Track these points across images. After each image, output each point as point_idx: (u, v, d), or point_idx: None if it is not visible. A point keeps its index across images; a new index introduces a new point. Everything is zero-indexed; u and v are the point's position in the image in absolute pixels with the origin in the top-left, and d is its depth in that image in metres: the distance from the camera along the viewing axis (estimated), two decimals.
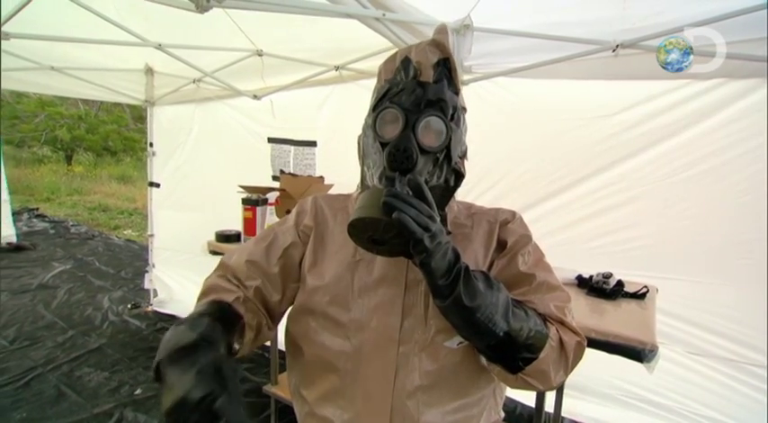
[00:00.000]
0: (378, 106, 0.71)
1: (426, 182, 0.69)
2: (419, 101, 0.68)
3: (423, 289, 0.71)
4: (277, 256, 0.78)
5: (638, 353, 1.07)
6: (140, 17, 1.98)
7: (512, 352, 0.65)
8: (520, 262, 0.74)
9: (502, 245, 0.77)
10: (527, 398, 2.14)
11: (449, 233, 0.74)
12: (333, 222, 0.80)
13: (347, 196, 0.85)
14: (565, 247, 1.90)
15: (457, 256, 0.62)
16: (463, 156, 0.77)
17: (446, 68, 0.71)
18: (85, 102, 12.69)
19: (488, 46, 1.81)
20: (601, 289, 1.42)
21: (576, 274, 1.55)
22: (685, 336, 1.76)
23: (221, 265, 0.82)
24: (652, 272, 1.69)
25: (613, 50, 1.50)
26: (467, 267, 0.63)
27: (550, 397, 1.59)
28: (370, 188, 0.65)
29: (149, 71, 3.10)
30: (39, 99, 11.70)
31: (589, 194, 1.85)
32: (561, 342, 0.69)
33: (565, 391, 1.63)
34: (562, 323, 0.71)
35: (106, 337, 3.09)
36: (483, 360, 0.71)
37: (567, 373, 0.70)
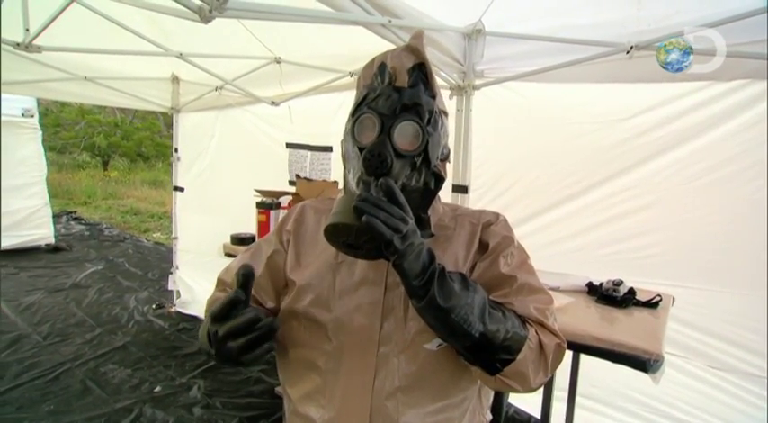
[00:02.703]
0: (356, 112, 0.72)
1: (405, 185, 0.70)
2: (395, 106, 0.69)
3: (403, 291, 0.71)
4: (262, 265, 0.81)
5: (642, 363, 1.04)
6: (156, 27, 2.07)
7: (489, 353, 0.65)
8: (501, 264, 0.74)
9: (484, 246, 0.77)
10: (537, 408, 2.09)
11: (431, 235, 0.74)
12: (317, 225, 0.82)
13: (333, 200, 0.86)
14: (578, 253, 1.85)
15: (431, 258, 0.62)
16: (445, 159, 0.77)
17: (422, 73, 0.72)
18: (122, 110, 13.29)
19: (500, 50, 1.80)
20: (611, 296, 1.38)
21: (587, 281, 1.51)
22: (706, 348, 1.68)
23: (218, 282, 0.88)
24: (669, 280, 1.63)
25: (627, 52, 1.47)
26: (442, 269, 0.63)
27: (561, 408, 1.54)
28: (345, 193, 0.67)
29: (175, 79, 3.23)
30: (79, 108, 12.34)
31: (603, 200, 1.80)
32: (540, 344, 0.68)
33: (577, 400, 1.59)
34: (542, 325, 0.70)
35: (131, 335, 3.21)
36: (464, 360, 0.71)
37: (546, 375, 0.69)
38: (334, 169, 2.64)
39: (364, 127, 0.70)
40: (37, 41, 1.75)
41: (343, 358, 0.72)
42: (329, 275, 0.75)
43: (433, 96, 0.73)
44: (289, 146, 2.80)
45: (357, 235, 0.60)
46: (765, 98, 1.42)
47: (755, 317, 1.54)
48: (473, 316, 0.62)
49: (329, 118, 2.57)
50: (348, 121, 0.75)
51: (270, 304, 0.81)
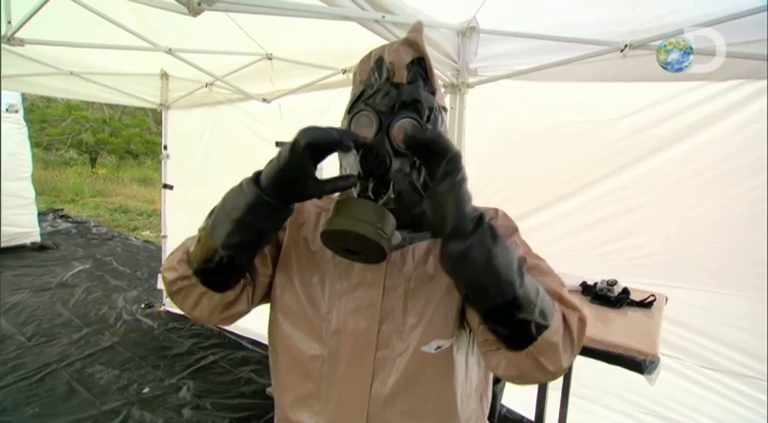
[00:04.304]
0: (353, 108, 0.70)
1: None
2: (393, 102, 0.66)
3: (401, 293, 0.70)
4: None
5: (638, 364, 1.04)
6: (144, 21, 2.03)
7: (525, 315, 0.58)
8: None
9: None
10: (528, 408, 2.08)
11: (431, 237, 0.73)
12: (316, 220, 0.79)
13: (332, 198, 0.83)
14: (572, 253, 1.85)
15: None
16: None
17: (421, 68, 0.69)
18: (110, 106, 13.08)
19: (494, 48, 1.79)
20: (605, 296, 1.38)
21: (581, 281, 1.51)
22: (698, 348, 1.68)
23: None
24: (663, 280, 1.63)
25: (621, 51, 1.46)
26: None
27: (551, 409, 1.54)
28: (343, 199, 0.64)
29: (164, 75, 3.18)
30: (66, 103, 12.13)
31: (597, 200, 1.80)
32: (564, 318, 0.64)
33: (571, 400, 1.58)
34: (561, 300, 0.66)
35: (119, 335, 3.16)
36: (471, 359, 0.68)
37: (573, 354, 0.64)
38: (325, 167, 2.61)
39: (361, 124, 0.68)
40: (20, 34, 1.70)
41: (339, 362, 0.70)
42: (326, 276, 0.73)
43: (433, 92, 0.70)
44: (278, 144, 2.77)
45: (355, 241, 0.59)
46: (760, 97, 1.43)
47: (750, 317, 1.55)
48: (513, 268, 0.56)
49: (321, 115, 2.54)
50: (344, 117, 0.72)
51: (265, 271, 0.75)
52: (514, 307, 0.58)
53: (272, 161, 0.61)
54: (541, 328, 0.59)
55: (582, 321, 0.65)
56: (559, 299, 0.66)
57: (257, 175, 0.63)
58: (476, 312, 0.63)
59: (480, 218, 0.56)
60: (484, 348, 0.66)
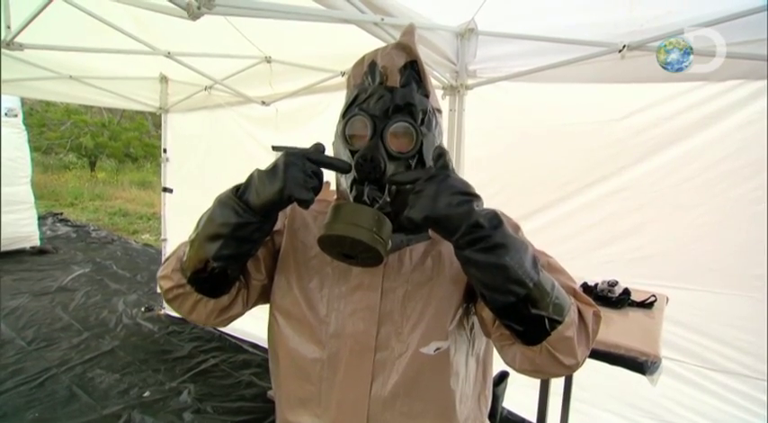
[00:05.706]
0: (347, 113, 0.70)
1: (399, 188, 0.67)
2: (387, 107, 0.67)
3: (399, 295, 0.70)
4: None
5: (639, 364, 1.03)
6: (144, 25, 2.03)
7: (539, 310, 0.58)
8: None
9: None
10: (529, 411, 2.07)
11: (429, 238, 0.73)
12: (313, 224, 0.79)
13: (326, 202, 0.83)
14: (572, 254, 1.85)
15: None
16: None
17: (414, 71, 0.70)
18: (109, 110, 13.08)
19: (493, 50, 1.79)
20: (606, 297, 1.38)
21: (582, 282, 1.51)
22: (699, 348, 1.68)
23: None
24: (663, 281, 1.63)
25: (619, 52, 1.47)
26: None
27: (555, 412, 1.53)
28: (339, 204, 0.65)
29: (164, 79, 3.18)
30: (65, 107, 12.13)
31: (597, 201, 1.79)
32: (579, 312, 0.64)
33: (572, 404, 1.58)
34: (575, 294, 0.66)
35: (119, 339, 3.15)
36: (470, 360, 0.69)
37: (588, 348, 0.64)
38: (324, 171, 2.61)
39: (356, 129, 0.69)
40: (19, 39, 1.70)
41: (339, 365, 0.70)
42: (324, 280, 0.73)
43: (427, 95, 0.71)
44: (275, 148, 2.77)
45: (351, 246, 0.59)
46: (759, 97, 1.43)
47: (750, 317, 1.55)
48: (527, 263, 0.57)
49: (319, 119, 2.54)
50: (339, 122, 0.73)
51: (259, 277, 0.76)
52: (529, 303, 0.58)
53: (260, 174, 0.64)
54: (555, 322, 0.60)
55: (597, 316, 0.66)
56: (574, 294, 0.66)
57: (246, 186, 0.65)
58: (490, 309, 0.63)
59: (493, 218, 0.58)
60: (499, 343, 0.67)
